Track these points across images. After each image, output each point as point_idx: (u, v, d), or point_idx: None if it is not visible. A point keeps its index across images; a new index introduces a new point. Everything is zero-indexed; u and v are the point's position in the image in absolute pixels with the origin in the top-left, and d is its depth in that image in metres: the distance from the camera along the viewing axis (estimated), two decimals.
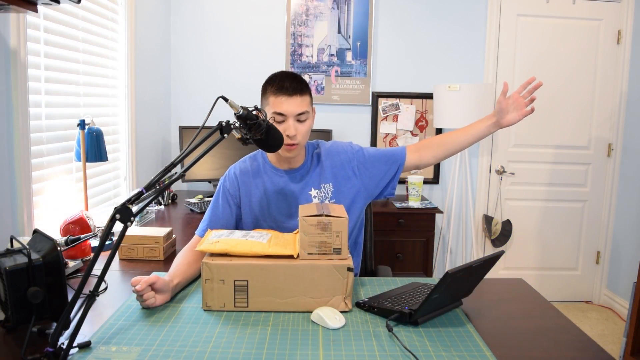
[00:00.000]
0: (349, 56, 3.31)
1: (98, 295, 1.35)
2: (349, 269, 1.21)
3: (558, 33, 3.33)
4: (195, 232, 1.62)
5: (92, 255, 1.50)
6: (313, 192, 1.60)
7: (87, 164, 2.04)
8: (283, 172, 1.62)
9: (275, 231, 1.42)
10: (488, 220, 3.43)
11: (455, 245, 3.50)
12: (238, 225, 1.64)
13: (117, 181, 2.58)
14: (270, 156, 1.63)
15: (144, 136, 2.85)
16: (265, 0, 3.27)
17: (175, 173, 1.25)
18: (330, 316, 1.17)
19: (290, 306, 1.23)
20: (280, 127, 1.49)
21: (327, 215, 1.23)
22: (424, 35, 3.34)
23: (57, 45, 1.95)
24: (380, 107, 3.36)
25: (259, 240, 1.27)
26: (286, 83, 1.49)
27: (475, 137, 1.61)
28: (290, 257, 1.23)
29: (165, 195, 2.75)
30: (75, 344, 1.02)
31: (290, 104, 1.49)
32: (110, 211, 1.26)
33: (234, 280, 1.21)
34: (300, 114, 1.50)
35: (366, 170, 1.64)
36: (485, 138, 1.64)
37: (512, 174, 3.44)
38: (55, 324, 1.09)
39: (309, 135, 1.57)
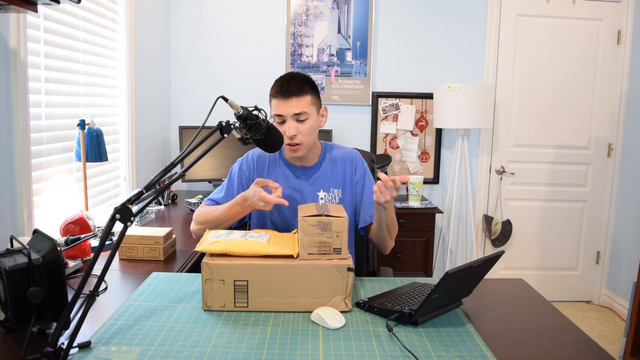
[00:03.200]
0: (349, 56, 3.31)
1: (98, 295, 1.35)
2: (349, 269, 1.21)
3: (558, 33, 3.33)
4: (204, 201, 1.70)
5: (92, 255, 1.51)
6: (321, 194, 1.63)
7: (87, 164, 2.04)
8: (295, 168, 1.66)
9: (274, 231, 1.42)
10: (488, 220, 3.43)
11: (455, 245, 3.50)
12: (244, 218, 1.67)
13: (117, 181, 2.58)
14: (286, 150, 1.66)
15: (144, 136, 2.85)
16: (265, 0, 3.27)
17: (175, 173, 1.25)
18: (330, 316, 1.17)
19: (290, 306, 1.23)
20: (281, 129, 1.53)
21: (327, 215, 1.23)
22: (424, 35, 3.34)
23: (57, 45, 1.95)
24: (380, 107, 3.36)
25: (258, 240, 1.27)
26: (284, 86, 1.53)
27: (378, 222, 1.53)
28: (290, 256, 1.23)
29: (165, 195, 2.74)
30: (75, 344, 1.02)
31: (286, 106, 1.53)
32: (110, 211, 1.26)
33: (234, 280, 1.21)
34: (298, 114, 1.53)
35: (363, 194, 1.66)
36: (386, 222, 1.51)
37: (512, 174, 3.44)
38: (55, 324, 1.09)
39: (313, 134, 1.59)
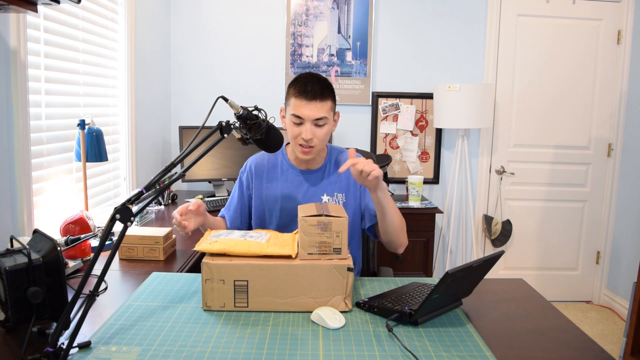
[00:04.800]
0: (349, 56, 3.31)
1: (98, 295, 1.35)
2: (349, 269, 1.21)
3: (558, 33, 3.33)
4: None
5: (92, 255, 1.51)
6: (325, 198, 1.62)
7: (87, 164, 2.04)
8: (300, 171, 1.64)
9: (274, 232, 1.42)
10: (488, 220, 3.43)
11: (455, 245, 3.50)
12: (249, 218, 1.69)
13: (117, 181, 2.58)
14: (290, 153, 1.65)
15: (144, 136, 2.85)
16: (265, 1, 3.27)
17: (175, 173, 1.25)
18: (330, 316, 1.17)
19: (290, 306, 1.23)
20: (297, 130, 1.52)
21: (327, 215, 1.23)
22: (424, 35, 3.34)
23: (57, 45, 1.95)
24: (380, 107, 3.36)
25: (258, 240, 1.27)
26: (308, 86, 1.49)
27: (380, 213, 1.51)
28: (289, 257, 1.23)
29: (165, 195, 2.74)
30: (75, 344, 1.02)
31: (308, 109, 1.49)
32: (110, 211, 1.26)
33: (234, 280, 1.21)
34: (318, 119, 1.51)
35: (363, 196, 1.65)
36: (380, 206, 1.49)
37: (512, 174, 3.44)
38: (55, 324, 1.09)
39: (327, 139, 1.58)
